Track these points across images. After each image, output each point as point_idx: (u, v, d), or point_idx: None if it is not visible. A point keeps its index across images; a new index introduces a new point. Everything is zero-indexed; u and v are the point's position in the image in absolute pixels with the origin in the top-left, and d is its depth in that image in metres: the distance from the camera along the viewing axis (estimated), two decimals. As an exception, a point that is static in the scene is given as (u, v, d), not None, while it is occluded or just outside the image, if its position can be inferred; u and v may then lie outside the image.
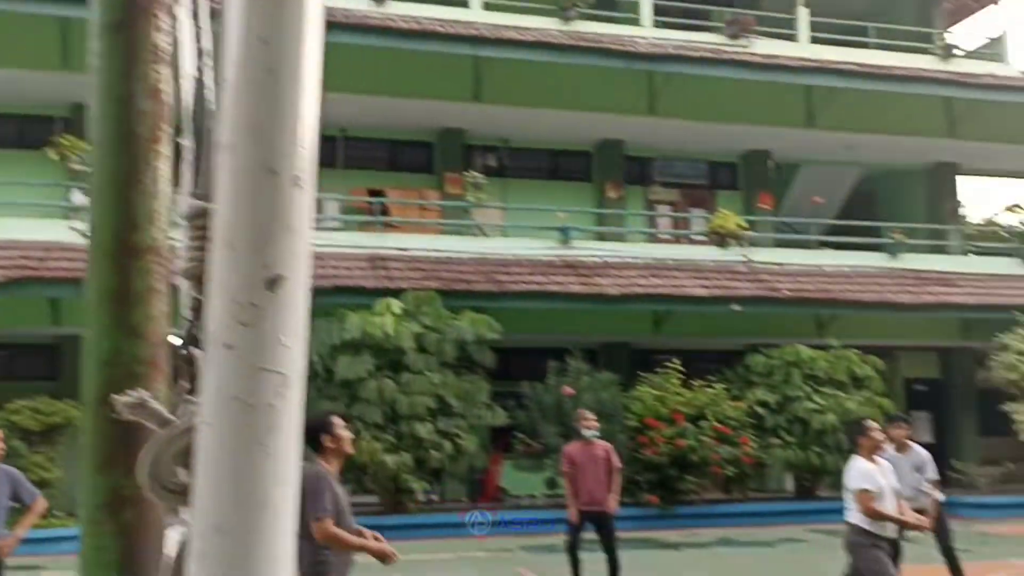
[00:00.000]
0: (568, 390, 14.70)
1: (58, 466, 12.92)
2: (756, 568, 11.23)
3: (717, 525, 14.60)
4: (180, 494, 1.05)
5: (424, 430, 13.42)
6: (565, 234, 16.95)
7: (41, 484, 12.93)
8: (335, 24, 14.57)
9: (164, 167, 1.32)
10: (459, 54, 16.77)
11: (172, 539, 1.14)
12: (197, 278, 1.12)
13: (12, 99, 16.10)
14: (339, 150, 17.19)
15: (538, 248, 16.75)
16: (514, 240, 17.12)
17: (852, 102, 18.88)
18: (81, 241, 14.35)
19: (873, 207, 21.98)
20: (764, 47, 18.82)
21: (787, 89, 18.67)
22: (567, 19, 17.98)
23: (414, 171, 18.76)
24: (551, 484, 14.44)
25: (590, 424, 9.54)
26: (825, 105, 19.20)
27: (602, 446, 9.58)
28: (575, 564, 9.29)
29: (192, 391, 1.09)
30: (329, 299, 13.42)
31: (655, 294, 15.89)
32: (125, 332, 1.25)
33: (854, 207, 21.63)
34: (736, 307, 15.99)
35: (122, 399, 1.06)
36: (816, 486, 16.35)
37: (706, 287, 16.18)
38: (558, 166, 19.73)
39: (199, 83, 1.20)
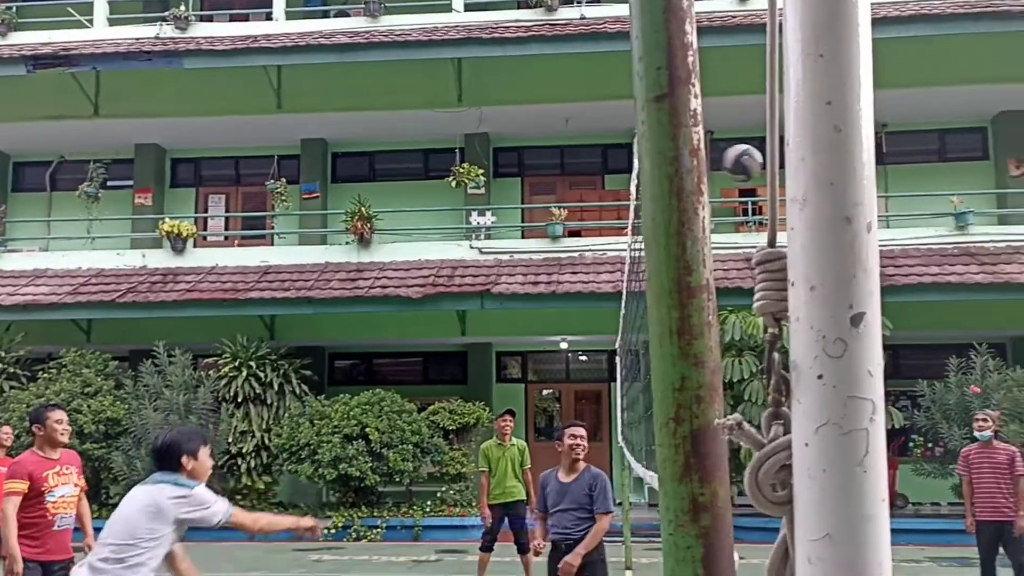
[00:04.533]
0: (975, 389, 13.43)
1: (471, 460, 14.38)
2: None
3: None
4: (780, 504, 1.21)
5: (814, 432, 13.02)
6: (961, 219, 15.50)
7: (457, 477, 14.59)
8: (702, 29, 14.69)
9: (706, 215, 1.51)
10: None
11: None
12: (770, 314, 1.28)
13: (416, 136, 18.27)
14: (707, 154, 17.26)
15: (930, 236, 15.50)
16: (901, 230, 15.99)
17: None
18: (481, 258, 15.97)
19: None
20: None
21: None
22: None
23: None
24: (958, 491, 13.30)
25: (984, 425, 8.72)
26: None
27: (1005, 450, 8.68)
28: (988, 582, 8.49)
29: (776, 414, 1.25)
30: (709, 301, 13.49)
31: (1077, 279, 13.95)
32: (689, 361, 1.45)
33: None
34: None
35: (722, 422, 1.24)
36: None
37: None
38: (946, 146, 18.08)
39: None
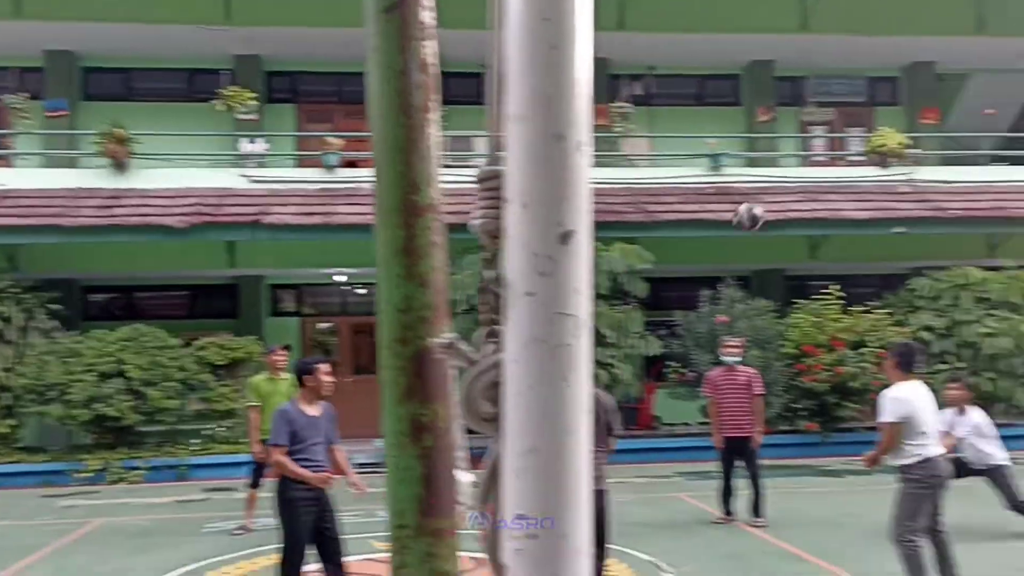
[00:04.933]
0: (722, 318, 14.59)
1: (241, 396, 13.93)
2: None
3: (880, 453, 14.31)
4: (491, 421, 1.22)
5: (579, 360, 13.67)
6: (716, 160, 16.62)
7: (227, 413, 14.12)
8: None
9: (436, 133, 1.48)
10: (602, -19, 16.49)
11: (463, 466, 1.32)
12: (490, 233, 1.28)
13: (179, 53, 17.04)
14: (485, 86, 17.35)
15: (688, 176, 16.52)
16: (663, 169, 16.92)
17: (1028, 3, 17.47)
18: (252, 187, 15.26)
19: (1051, 117, 20.39)
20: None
21: (954, -6, 17.45)
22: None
23: (560, 103, 18.75)
24: (705, 412, 14.51)
25: (731, 350, 9.54)
26: (996, 9, 17.83)
27: (745, 372, 9.55)
28: (726, 491, 9.37)
29: (492, 333, 1.26)
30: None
31: (810, 218, 15.41)
32: (415, 282, 1.42)
33: (1029, 118, 20.13)
34: (899, 229, 15.34)
35: (436, 341, 1.23)
36: (987, 412, 15.67)
37: (866, 209, 15.57)
38: (706, 91, 19.25)
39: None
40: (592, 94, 1.23)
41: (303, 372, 5.82)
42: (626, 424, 16.40)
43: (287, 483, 5.65)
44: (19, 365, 13.52)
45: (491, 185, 1.28)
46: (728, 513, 9.35)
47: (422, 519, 1.39)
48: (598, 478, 5.68)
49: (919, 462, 5.93)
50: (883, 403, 6.07)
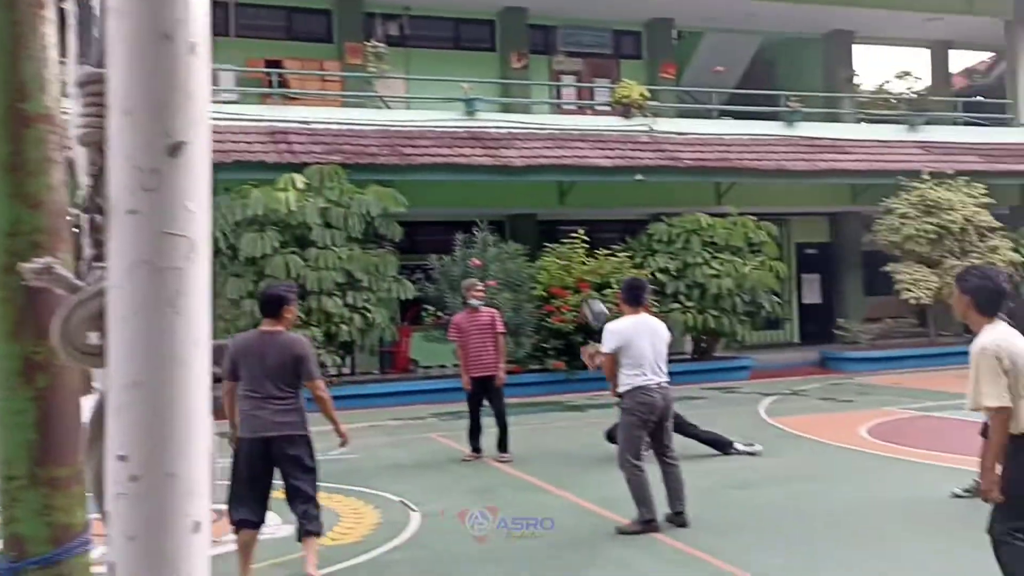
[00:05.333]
0: (475, 262, 14.84)
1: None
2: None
3: (620, 387, 15.25)
4: (94, 356, 1.09)
5: (333, 305, 13.45)
6: (470, 105, 16.74)
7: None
8: None
9: (51, 32, 1.30)
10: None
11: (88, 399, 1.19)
12: (95, 144, 1.14)
13: None
14: (232, 18, 16.38)
15: (443, 120, 16.53)
16: (418, 112, 16.83)
17: (754, -32, 18.86)
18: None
19: (772, 76, 22.30)
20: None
21: (691, -46, 18.49)
22: None
23: (313, 40, 18.07)
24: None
25: (477, 294, 9.75)
26: (728, -29, 19.13)
27: (487, 312, 9.78)
28: (474, 429, 9.63)
29: (98, 257, 1.12)
30: (230, 174, 13.10)
31: (560, 165, 15.96)
32: (24, 202, 1.25)
33: (754, 76, 21.90)
34: (639, 177, 16.24)
35: (28, 266, 1.08)
36: (712, 347, 17.16)
37: (610, 157, 16.34)
38: (461, 35, 19.29)
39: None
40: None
41: None
42: (382, 368, 16.42)
43: None
44: None
45: (94, 90, 1.13)
46: (476, 450, 9.59)
47: (36, 468, 1.25)
48: (292, 423, 5.50)
49: (630, 391, 6.34)
50: (603, 336, 6.43)
